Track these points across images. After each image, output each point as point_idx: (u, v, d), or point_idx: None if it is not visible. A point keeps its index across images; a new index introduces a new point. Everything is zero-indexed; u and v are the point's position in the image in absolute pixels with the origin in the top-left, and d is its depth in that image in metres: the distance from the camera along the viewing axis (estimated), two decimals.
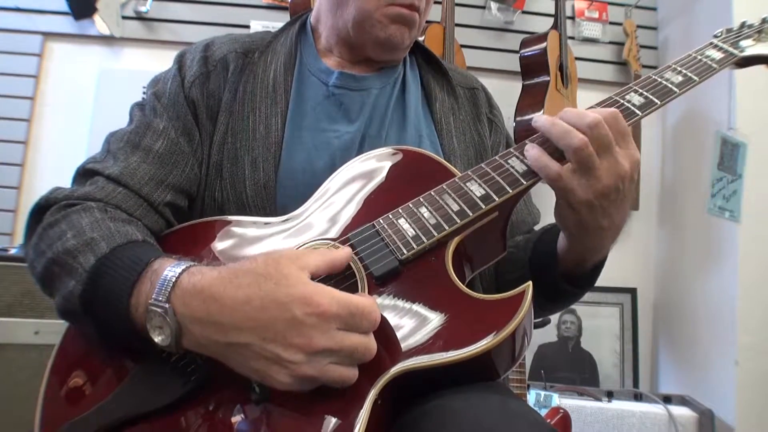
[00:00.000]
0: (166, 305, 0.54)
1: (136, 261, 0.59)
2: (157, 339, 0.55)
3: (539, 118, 0.68)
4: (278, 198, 0.77)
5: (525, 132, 1.95)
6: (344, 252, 0.60)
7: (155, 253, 0.61)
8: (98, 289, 0.59)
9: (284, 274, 0.54)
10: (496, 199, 0.67)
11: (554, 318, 2.12)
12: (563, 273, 0.76)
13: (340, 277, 0.62)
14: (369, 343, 0.55)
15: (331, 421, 0.54)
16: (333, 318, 0.52)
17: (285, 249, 0.59)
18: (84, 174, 0.73)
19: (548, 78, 2.00)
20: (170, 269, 0.57)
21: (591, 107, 0.73)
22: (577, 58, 2.16)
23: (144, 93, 0.85)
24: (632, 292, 2.19)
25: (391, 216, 0.68)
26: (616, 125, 0.65)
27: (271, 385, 0.53)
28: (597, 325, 2.16)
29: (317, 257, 0.57)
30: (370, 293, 0.62)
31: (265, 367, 0.53)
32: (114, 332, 0.59)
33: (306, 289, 0.53)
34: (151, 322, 0.55)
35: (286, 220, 0.72)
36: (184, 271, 0.56)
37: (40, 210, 0.69)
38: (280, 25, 0.95)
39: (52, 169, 1.99)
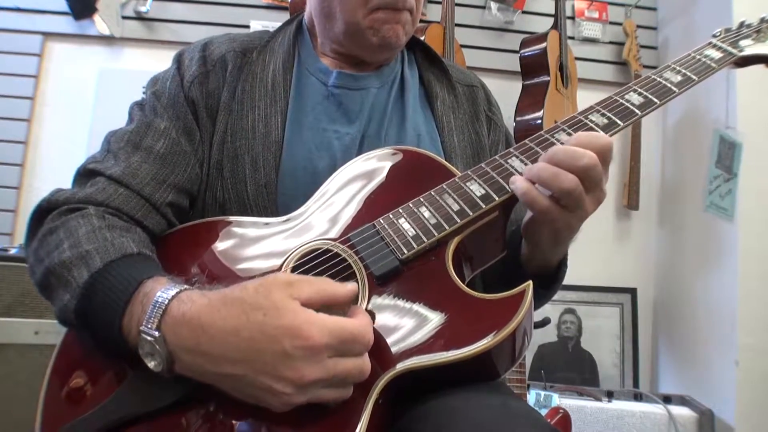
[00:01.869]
0: (156, 333, 0.54)
1: (129, 280, 0.58)
2: (150, 364, 0.55)
3: (518, 181, 0.66)
4: (279, 198, 0.77)
5: (525, 132, 1.95)
6: (347, 289, 0.57)
7: (147, 272, 0.60)
8: (92, 306, 0.58)
9: (274, 302, 0.52)
10: (496, 198, 0.67)
11: (554, 318, 2.12)
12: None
13: (341, 277, 0.62)
14: (362, 366, 0.54)
15: (333, 421, 0.54)
16: (324, 349, 0.51)
17: (279, 275, 0.57)
18: (85, 174, 0.73)
19: (548, 78, 2.00)
20: (161, 293, 0.56)
21: (591, 107, 0.73)
22: (577, 58, 2.16)
23: (143, 93, 0.85)
24: (632, 292, 2.19)
25: (391, 216, 0.68)
26: (608, 159, 0.65)
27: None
28: (597, 325, 2.16)
29: (313, 288, 0.55)
30: (370, 293, 0.62)
31: (258, 394, 0.52)
32: (110, 347, 0.59)
33: (295, 320, 0.51)
34: (142, 349, 0.55)
35: (287, 220, 0.72)
36: (174, 297, 0.55)
37: (41, 213, 0.69)
38: (279, 25, 0.95)
39: (52, 169, 1.99)
